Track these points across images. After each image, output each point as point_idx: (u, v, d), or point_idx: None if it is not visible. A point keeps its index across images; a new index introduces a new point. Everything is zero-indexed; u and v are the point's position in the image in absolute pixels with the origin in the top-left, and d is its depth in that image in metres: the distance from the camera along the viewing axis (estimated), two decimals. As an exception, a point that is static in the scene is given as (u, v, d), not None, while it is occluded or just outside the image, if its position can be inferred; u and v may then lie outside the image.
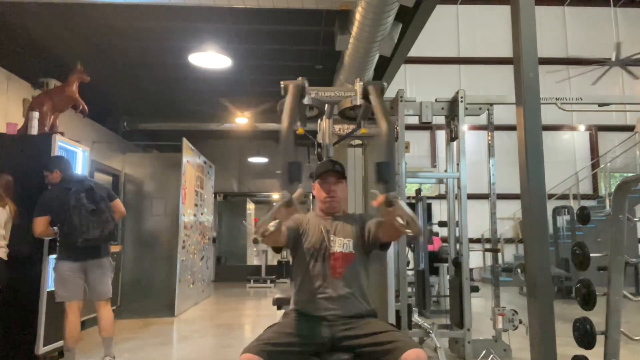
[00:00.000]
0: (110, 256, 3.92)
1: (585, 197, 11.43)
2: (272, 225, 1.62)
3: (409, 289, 5.77)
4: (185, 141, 6.75)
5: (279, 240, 1.96)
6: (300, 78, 2.22)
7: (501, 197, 4.66)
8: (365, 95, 2.15)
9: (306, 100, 2.22)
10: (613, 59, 9.69)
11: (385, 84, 2.17)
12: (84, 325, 5.23)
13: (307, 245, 2.09)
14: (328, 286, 2.01)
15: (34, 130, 4.16)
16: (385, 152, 1.80)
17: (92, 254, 3.64)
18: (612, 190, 2.40)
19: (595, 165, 12.12)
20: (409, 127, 3.97)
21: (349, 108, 2.30)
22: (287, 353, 1.84)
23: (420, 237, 1.91)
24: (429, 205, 7.19)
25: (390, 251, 3.22)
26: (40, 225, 3.53)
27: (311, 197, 12.11)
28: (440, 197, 8.25)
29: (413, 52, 5.75)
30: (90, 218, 3.53)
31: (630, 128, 11.69)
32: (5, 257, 3.51)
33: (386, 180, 1.70)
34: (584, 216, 2.69)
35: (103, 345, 3.74)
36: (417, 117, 4.16)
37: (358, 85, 2.28)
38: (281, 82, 2.20)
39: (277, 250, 2.14)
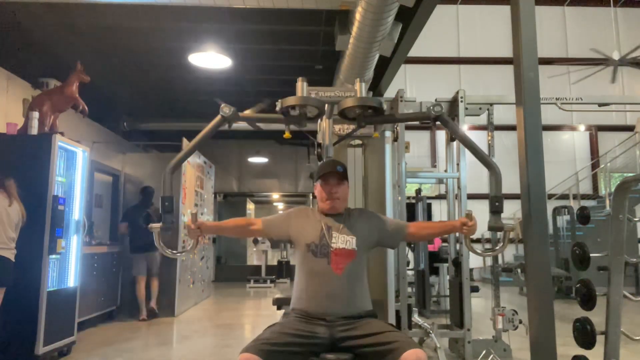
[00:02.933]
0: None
1: (585, 197, 11.43)
2: (191, 246, 2.27)
3: (409, 289, 5.77)
4: (185, 141, 6.74)
5: (252, 233, 2.30)
6: (300, 79, 2.22)
7: (501, 197, 4.66)
8: (438, 119, 2.22)
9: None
10: (616, 58, 9.67)
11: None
12: (83, 325, 5.24)
13: (307, 241, 2.08)
14: (329, 282, 2.01)
15: (34, 130, 4.17)
16: (497, 188, 2.14)
17: (149, 249, 6.01)
18: (612, 190, 2.40)
19: (595, 165, 12.12)
20: (409, 127, 3.97)
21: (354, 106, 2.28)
22: (286, 353, 1.84)
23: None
24: (429, 205, 7.20)
25: (391, 251, 3.22)
26: (122, 228, 6.26)
27: (311, 197, 12.15)
28: (440, 197, 8.25)
29: (413, 52, 5.74)
30: (143, 231, 5.66)
31: (630, 128, 11.69)
32: (12, 259, 3.55)
33: (499, 211, 2.13)
34: (584, 216, 2.69)
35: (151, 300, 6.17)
36: (417, 117, 4.15)
37: (359, 86, 2.28)
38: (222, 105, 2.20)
39: (274, 244, 2.27)
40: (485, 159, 2.16)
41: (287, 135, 2.32)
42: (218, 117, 2.19)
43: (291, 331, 1.91)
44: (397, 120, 2.32)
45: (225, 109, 2.17)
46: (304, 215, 2.21)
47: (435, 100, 4.20)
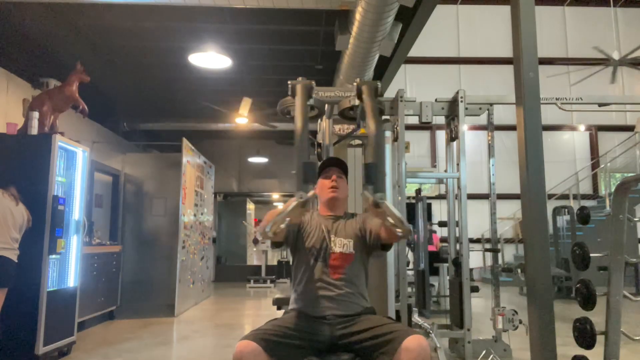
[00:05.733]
0: None
1: (585, 197, 11.43)
2: (284, 224, 1.66)
3: (409, 289, 5.77)
4: (185, 141, 6.75)
5: (279, 235, 1.92)
6: (300, 79, 2.22)
7: (501, 197, 4.67)
8: (360, 95, 2.13)
9: (310, 101, 2.18)
10: (616, 58, 9.67)
11: (379, 83, 2.12)
12: (83, 325, 5.24)
13: (308, 245, 2.08)
14: (328, 286, 2.01)
15: (34, 130, 4.16)
16: (374, 153, 1.79)
17: None
18: (612, 190, 2.40)
19: (595, 165, 12.12)
20: (409, 127, 3.97)
21: (349, 108, 2.30)
22: (285, 346, 1.83)
23: (410, 236, 1.76)
24: (429, 205, 7.20)
25: (390, 251, 3.22)
26: None
27: (311, 197, 12.16)
28: (440, 197, 8.26)
29: (413, 52, 5.75)
30: None
31: (630, 128, 11.69)
32: (15, 260, 3.56)
33: (373, 181, 1.71)
34: (584, 216, 2.69)
35: None
36: (417, 117, 4.16)
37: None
38: (289, 82, 2.13)
39: (278, 245, 2.11)
40: (372, 117, 1.95)
41: None
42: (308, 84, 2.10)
43: (291, 326, 1.91)
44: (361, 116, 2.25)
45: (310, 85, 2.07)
46: (308, 218, 2.21)
47: (435, 100, 4.20)
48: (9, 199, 3.61)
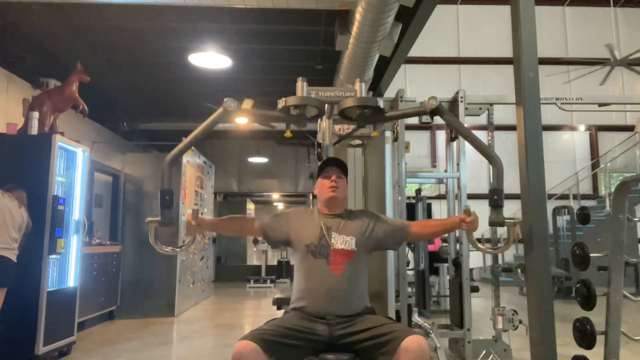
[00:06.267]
0: None
1: (585, 197, 11.43)
2: (187, 243, 2.27)
3: (409, 289, 5.77)
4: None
5: (250, 232, 2.34)
6: (300, 79, 2.22)
7: (501, 197, 4.67)
8: (434, 112, 2.20)
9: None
10: (618, 57, 9.66)
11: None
12: (83, 325, 5.23)
13: (306, 242, 2.08)
14: (328, 283, 2.01)
15: (34, 130, 4.16)
16: (497, 180, 2.07)
17: None
18: (612, 190, 2.40)
19: (595, 165, 12.12)
20: (409, 127, 3.97)
21: (349, 108, 2.28)
22: (284, 345, 1.83)
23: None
24: (429, 205, 7.20)
25: (391, 251, 3.22)
26: None
27: (311, 197, 12.17)
28: (440, 197, 8.26)
29: (413, 52, 5.74)
30: None
31: (630, 128, 11.69)
32: (15, 259, 3.55)
33: (500, 205, 2.05)
34: (584, 216, 2.69)
35: None
36: (417, 117, 4.16)
37: (359, 86, 2.28)
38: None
39: (273, 245, 2.22)
40: (486, 151, 2.12)
41: (287, 134, 2.32)
42: (220, 110, 2.18)
43: (291, 326, 1.91)
44: (394, 118, 2.28)
45: (229, 103, 2.16)
46: (302, 215, 2.21)
47: (435, 100, 4.19)
48: (9, 199, 3.61)
